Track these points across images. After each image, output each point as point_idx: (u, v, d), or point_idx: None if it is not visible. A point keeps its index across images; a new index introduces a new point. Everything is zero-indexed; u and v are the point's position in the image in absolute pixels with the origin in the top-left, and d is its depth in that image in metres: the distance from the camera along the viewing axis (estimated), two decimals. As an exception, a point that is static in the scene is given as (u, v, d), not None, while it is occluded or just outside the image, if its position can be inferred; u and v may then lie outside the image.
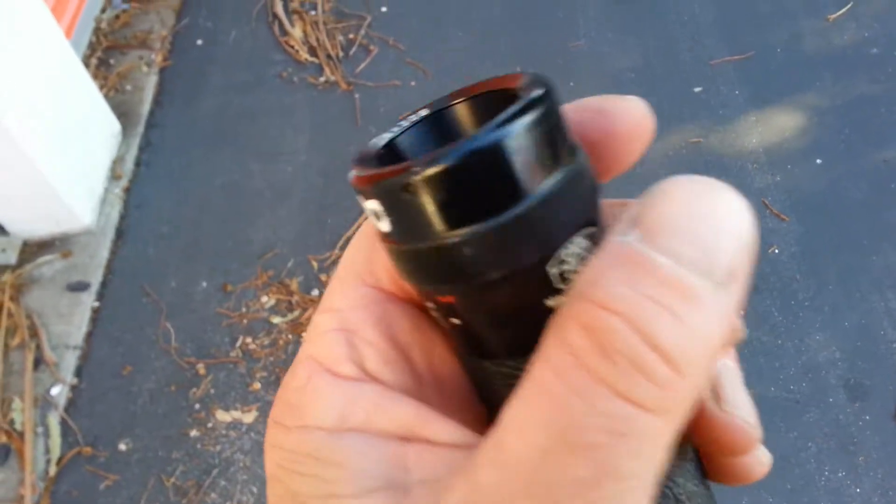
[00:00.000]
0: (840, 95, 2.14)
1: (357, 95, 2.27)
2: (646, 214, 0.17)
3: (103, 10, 2.53)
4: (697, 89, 2.19)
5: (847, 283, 1.82)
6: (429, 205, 0.18)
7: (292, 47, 2.40)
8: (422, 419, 0.21)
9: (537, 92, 0.19)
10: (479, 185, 0.18)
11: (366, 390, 0.21)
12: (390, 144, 0.22)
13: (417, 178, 0.18)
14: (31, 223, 1.94)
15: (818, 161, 2.02)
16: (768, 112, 2.13)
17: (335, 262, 1.92)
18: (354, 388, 0.21)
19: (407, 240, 0.20)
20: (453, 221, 0.19)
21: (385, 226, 0.20)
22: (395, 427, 0.21)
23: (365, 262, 0.24)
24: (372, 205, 0.20)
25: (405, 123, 0.23)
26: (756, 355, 1.73)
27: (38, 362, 1.77)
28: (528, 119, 0.18)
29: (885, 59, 2.21)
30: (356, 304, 0.23)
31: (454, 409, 0.23)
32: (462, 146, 0.18)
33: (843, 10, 2.31)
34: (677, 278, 0.16)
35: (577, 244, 0.19)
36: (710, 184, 0.18)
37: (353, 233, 1.97)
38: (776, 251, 1.87)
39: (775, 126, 2.10)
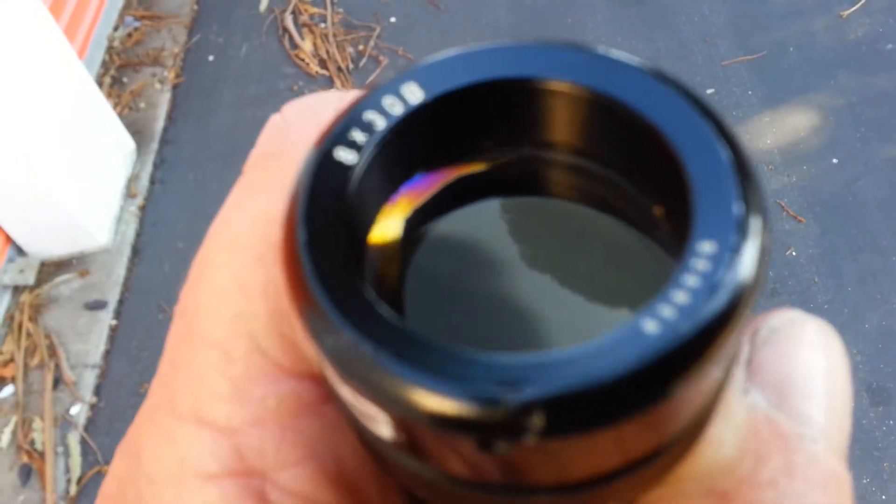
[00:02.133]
0: (855, 93, 2.11)
1: (368, 107, 2.27)
2: (769, 366, 0.14)
3: (115, 29, 2.56)
4: (710, 91, 2.17)
5: (867, 284, 1.79)
6: (538, 460, 0.11)
7: (303, 60, 2.41)
8: None
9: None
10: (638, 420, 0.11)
11: None
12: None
13: (532, 440, 0.10)
14: (49, 243, 1.96)
15: (834, 160, 1.99)
16: (782, 112, 2.10)
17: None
18: None
19: (442, 472, 0.12)
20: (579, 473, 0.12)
21: (383, 430, 0.12)
22: None
23: (272, 325, 0.14)
24: (362, 405, 0.11)
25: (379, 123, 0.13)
26: (775, 360, 1.71)
27: (58, 382, 1.78)
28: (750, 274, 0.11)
29: (901, 54, 2.18)
30: (265, 415, 0.13)
31: None
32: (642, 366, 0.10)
33: (857, 6, 2.28)
34: (831, 468, 0.14)
35: None
36: (828, 332, 0.15)
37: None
38: (793, 253, 1.85)
39: (790, 126, 2.08)
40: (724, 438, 0.14)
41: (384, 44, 2.42)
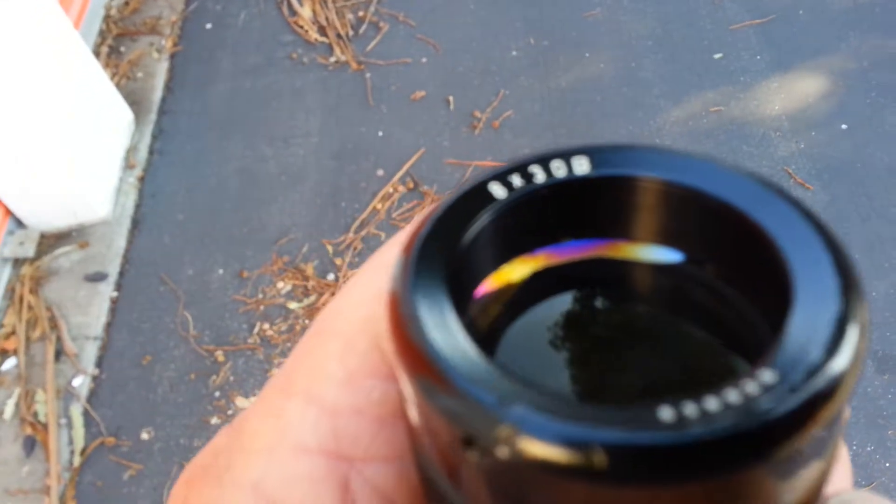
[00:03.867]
0: (866, 56, 2.06)
1: (368, 75, 2.24)
2: None
3: (112, -3, 2.52)
4: (717, 56, 2.12)
5: (874, 252, 1.77)
6: None
7: (301, 27, 2.37)
8: None
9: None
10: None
11: None
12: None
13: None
14: (48, 215, 1.95)
15: (843, 126, 1.95)
16: (791, 77, 2.06)
17: (350, 246, 1.91)
18: None
19: None
20: None
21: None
22: None
23: None
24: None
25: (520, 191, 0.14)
26: (781, 329, 1.70)
27: (59, 354, 1.78)
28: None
29: (914, 16, 2.12)
30: (365, 407, 0.14)
31: None
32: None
33: (869, -34, 2.21)
34: None
35: None
36: None
37: (368, 215, 1.95)
38: (800, 221, 1.82)
39: (798, 91, 2.03)
40: None
41: (384, 9, 2.38)
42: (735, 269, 0.14)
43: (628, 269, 0.14)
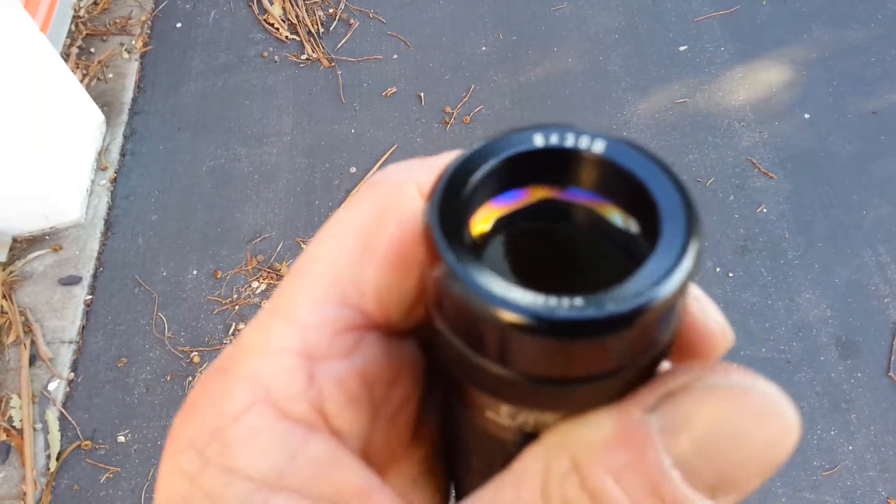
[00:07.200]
0: (828, 46, 2.10)
1: (339, 72, 2.24)
2: (680, 405, 0.17)
3: (80, -2, 2.51)
4: (683, 48, 2.15)
5: (837, 239, 1.80)
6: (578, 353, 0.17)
7: (272, 25, 2.37)
8: (365, 494, 0.19)
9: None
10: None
11: (315, 444, 0.19)
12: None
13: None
14: (20, 219, 1.95)
15: (806, 116, 1.99)
16: (755, 67, 2.09)
17: (323, 244, 1.93)
18: (302, 437, 0.19)
19: (512, 367, 0.18)
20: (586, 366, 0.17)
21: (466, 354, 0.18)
22: (336, 496, 0.18)
23: (351, 270, 0.20)
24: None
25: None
26: (746, 317, 1.73)
27: (34, 358, 1.79)
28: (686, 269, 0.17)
29: (875, 5, 2.16)
30: (327, 324, 0.20)
31: (401, 448, 0.23)
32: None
33: (831, -44, 2.25)
34: (678, 499, 0.16)
35: None
36: (767, 400, 0.17)
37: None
38: (764, 210, 1.86)
39: (762, 82, 2.06)
40: (604, 423, 0.17)
41: (354, 6, 2.38)
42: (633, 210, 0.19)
43: (572, 207, 0.20)
